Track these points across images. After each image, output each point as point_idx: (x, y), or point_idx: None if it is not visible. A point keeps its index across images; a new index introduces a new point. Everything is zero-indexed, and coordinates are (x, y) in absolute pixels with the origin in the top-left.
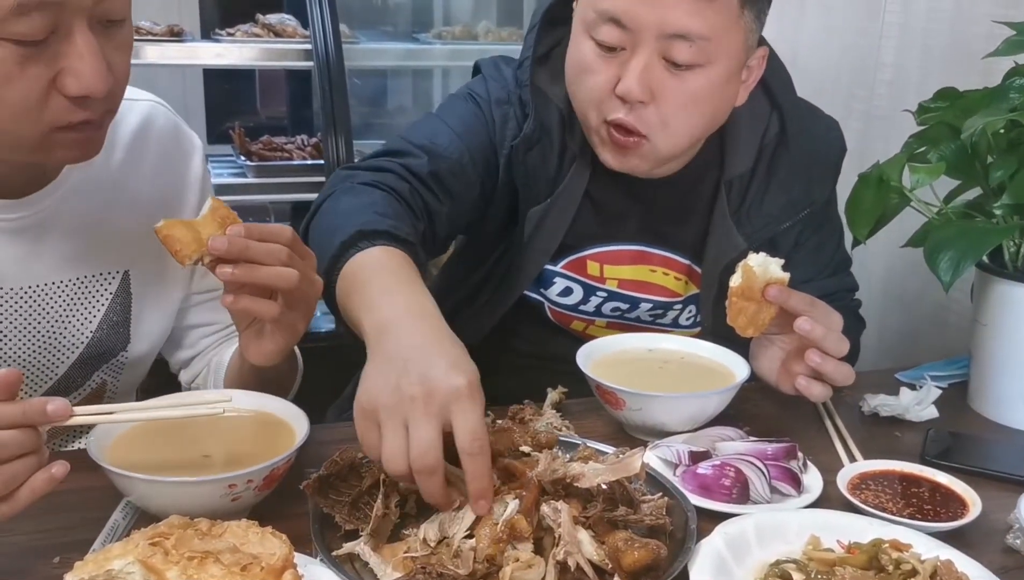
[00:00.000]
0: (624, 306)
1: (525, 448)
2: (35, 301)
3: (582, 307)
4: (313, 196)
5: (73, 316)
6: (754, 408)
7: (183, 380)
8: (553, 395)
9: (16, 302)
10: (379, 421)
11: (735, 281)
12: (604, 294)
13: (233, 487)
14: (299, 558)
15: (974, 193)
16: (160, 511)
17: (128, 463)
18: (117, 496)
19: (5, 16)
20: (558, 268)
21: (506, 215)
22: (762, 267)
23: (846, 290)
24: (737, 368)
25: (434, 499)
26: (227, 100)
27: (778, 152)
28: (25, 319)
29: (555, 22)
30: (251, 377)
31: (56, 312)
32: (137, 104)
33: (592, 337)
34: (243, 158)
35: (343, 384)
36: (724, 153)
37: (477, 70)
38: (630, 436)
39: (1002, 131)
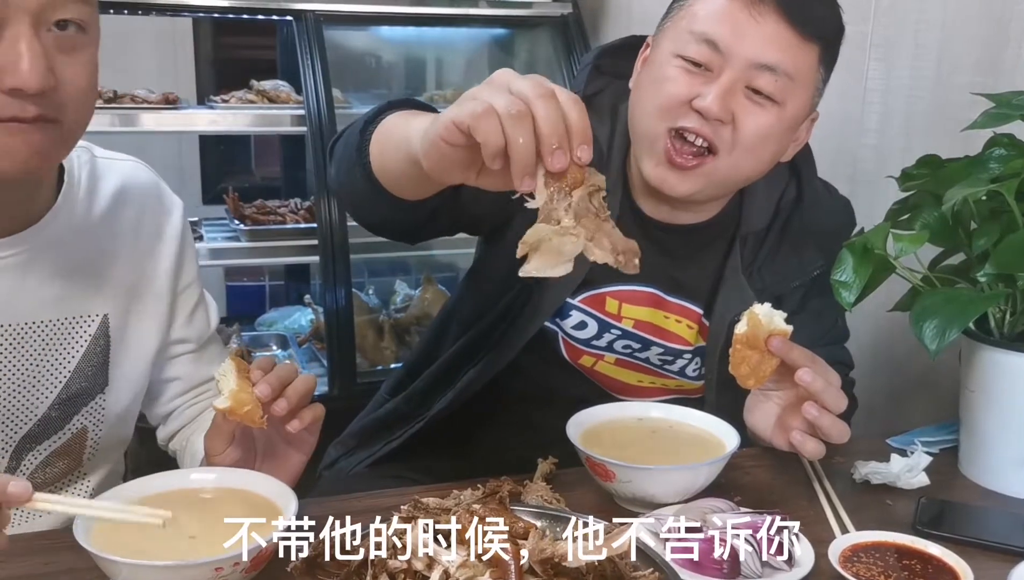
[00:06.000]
0: (636, 345)
1: (498, 546)
2: (15, 339)
3: (595, 342)
4: (307, 259)
5: (52, 355)
6: (744, 477)
7: (160, 437)
8: (543, 466)
9: None
10: (480, 104)
11: (740, 328)
12: (618, 332)
13: (220, 570)
14: None
15: (960, 257)
16: None
17: (114, 545)
18: (103, 578)
19: None
20: (576, 301)
21: None
22: (767, 317)
23: (842, 364)
24: (727, 437)
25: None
26: (222, 163)
27: (793, 216)
28: (4, 356)
29: (600, 70)
30: None
31: (35, 351)
32: (118, 163)
33: (599, 374)
34: (237, 222)
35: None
36: (742, 210)
37: None
38: (621, 507)
39: (984, 198)
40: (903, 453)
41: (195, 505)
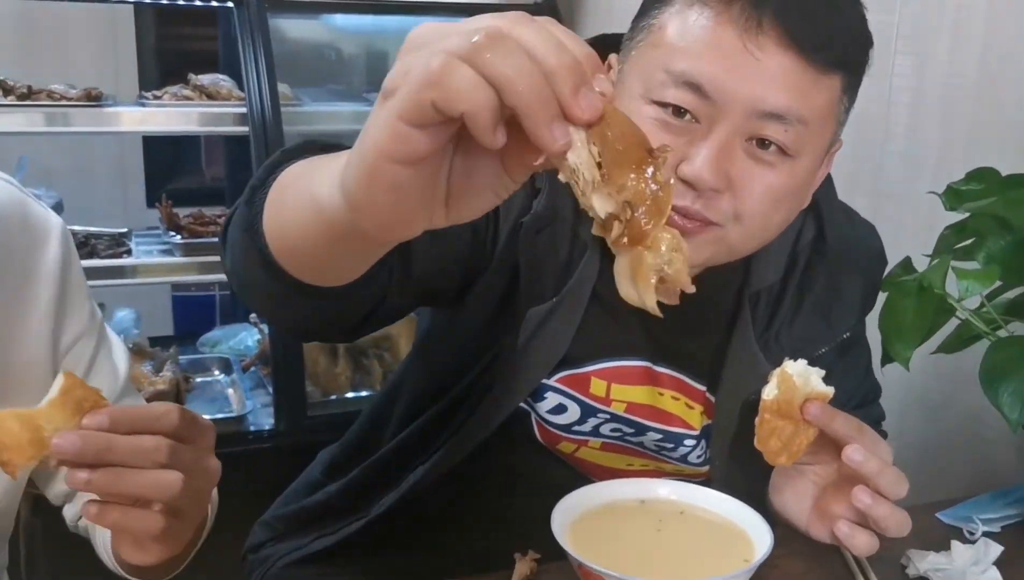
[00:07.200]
0: (628, 430)
1: None
2: None
3: (576, 427)
4: None
5: None
6: (772, 572)
7: (67, 517)
8: (521, 565)
9: None
10: (429, 58)
11: (769, 393)
12: (607, 416)
13: None
14: None
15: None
16: None
17: None
18: None
19: None
20: (552, 382)
21: (493, 312)
22: (802, 377)
23: (873, 422)
24: (754, 531)
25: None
26: (168, 165)
27: (813, 262)
28: None
29: None
30: None
31: None
32: None
33: (581, 460)
34: (171, 233)
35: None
36: (749, 260)
37: None
38: None
39: None
40: (959, 532)
41: None
